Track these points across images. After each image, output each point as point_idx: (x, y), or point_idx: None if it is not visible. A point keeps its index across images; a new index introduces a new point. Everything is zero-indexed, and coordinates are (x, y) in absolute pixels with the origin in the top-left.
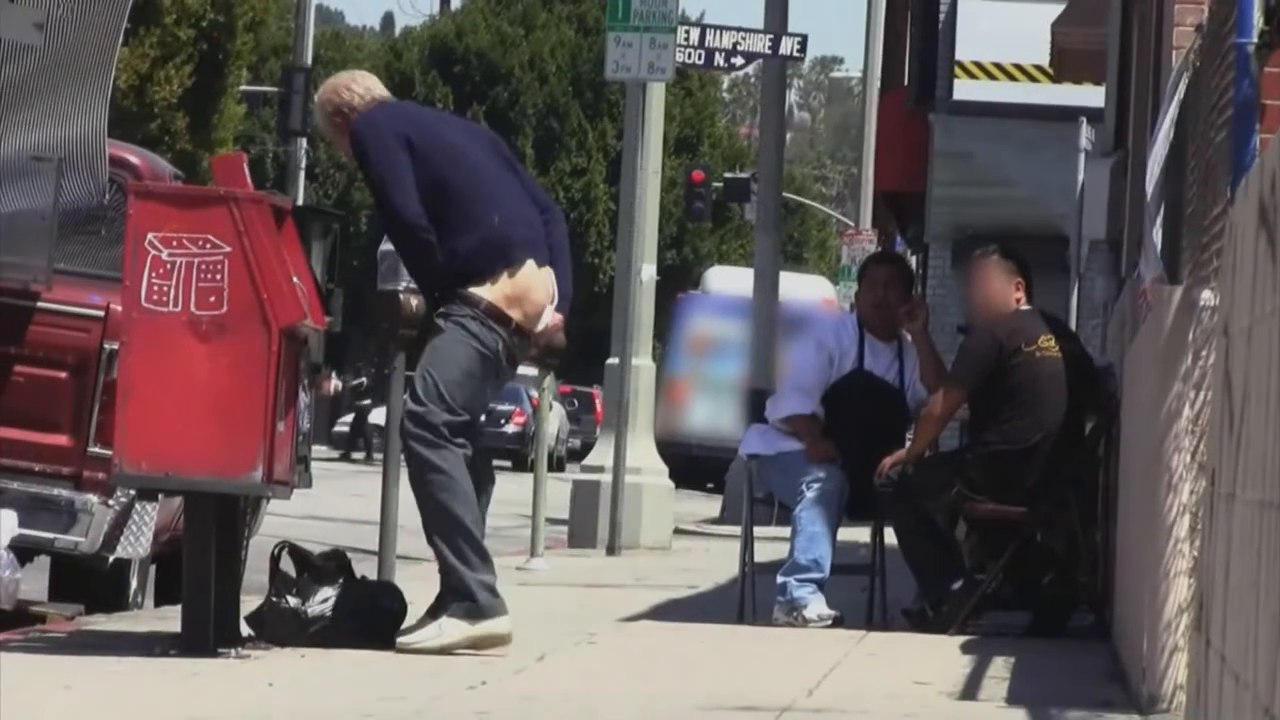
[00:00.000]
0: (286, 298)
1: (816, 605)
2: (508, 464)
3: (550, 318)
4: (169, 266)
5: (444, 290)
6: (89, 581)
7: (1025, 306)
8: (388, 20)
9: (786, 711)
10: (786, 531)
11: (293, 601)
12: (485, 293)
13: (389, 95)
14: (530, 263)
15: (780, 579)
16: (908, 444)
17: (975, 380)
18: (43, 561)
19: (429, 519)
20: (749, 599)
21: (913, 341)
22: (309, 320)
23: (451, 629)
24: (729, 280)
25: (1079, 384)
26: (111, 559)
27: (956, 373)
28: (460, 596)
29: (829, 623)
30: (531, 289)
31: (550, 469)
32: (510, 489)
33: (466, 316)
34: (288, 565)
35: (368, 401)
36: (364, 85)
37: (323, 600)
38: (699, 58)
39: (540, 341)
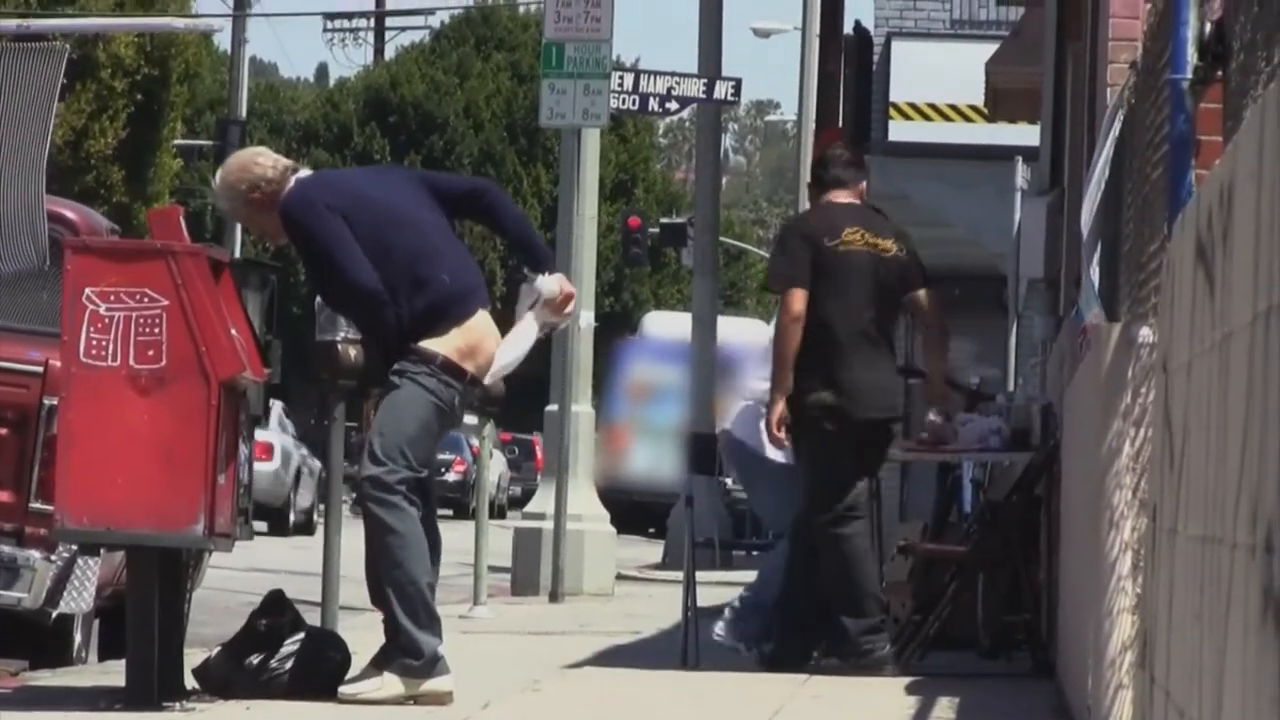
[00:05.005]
0: (225, 350)
1: None
2: (449, 512)
3: (561, 284)
4: (107, 321)
5: (396, 347)
6: (33, 637)
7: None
8: (322, 71)
9: None
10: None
11: (255, 659)
12: (439, 346)
13: (292, 162)
14: (479, 312)
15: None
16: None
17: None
18: None
19: (382, 576)
20: (692, 644)
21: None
22: (248, 372)
23: (394, 684)
24: (667, 325)
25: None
26: (55, 614)
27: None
28: (406, 654)
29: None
30: (483, 339)
31: (491, 516)
32: (452, 537)
33: (423, 373)
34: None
35: None
36: (269, 157)
37: (275, 655)
38: (633, 103)
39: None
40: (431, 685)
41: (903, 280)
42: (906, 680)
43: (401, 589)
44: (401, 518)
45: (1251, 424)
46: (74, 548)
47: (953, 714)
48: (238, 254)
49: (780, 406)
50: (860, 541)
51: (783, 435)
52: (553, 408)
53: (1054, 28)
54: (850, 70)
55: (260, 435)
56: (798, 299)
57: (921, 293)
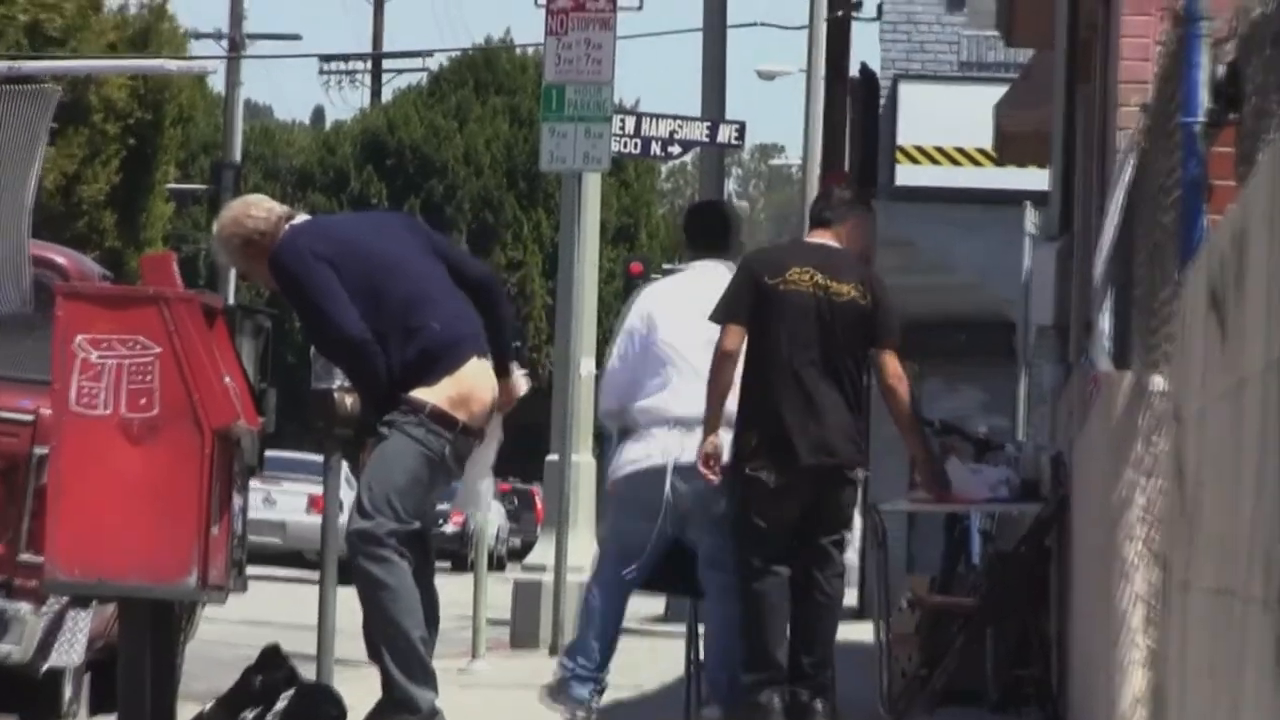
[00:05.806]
0: (219, 398)
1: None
2: (447, 564)
3: (517, 386)
4: (98, 368)
5: (386, 397)
6: (22, 691)
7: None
8: (318, 114)
9: None
10: None
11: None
12: (429, 396)
13: (288, 209)
14: (472, 360)
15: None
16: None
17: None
18: None
19: (375, 631)
20: (694, 697)
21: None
22: (242, 421)
23: None
24: None
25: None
26: (45, 667)
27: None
28: (402, 709)
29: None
30: (475, 388)
31: (490, 569)
32: (450, 590)
33: (411, 423)
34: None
35: None
36: (263, 207)
37: (269, 710)
38: (635, 146)
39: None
40: None
41: (863, 328)
42: None
43: (394, 643)
44: (391, 570)
45: (1265, 473)
46: (64, 599)
47: None
48: (232, 300)
49: (709, 441)
50: (773, 599)
51: (713, 472)
52: (553, 457)
53: (1064, 70)
54: (856, 113)
55: (320, 490)
56: (730, 334)
57: (883, 354)
